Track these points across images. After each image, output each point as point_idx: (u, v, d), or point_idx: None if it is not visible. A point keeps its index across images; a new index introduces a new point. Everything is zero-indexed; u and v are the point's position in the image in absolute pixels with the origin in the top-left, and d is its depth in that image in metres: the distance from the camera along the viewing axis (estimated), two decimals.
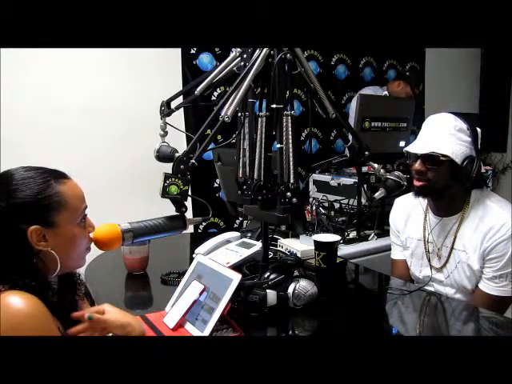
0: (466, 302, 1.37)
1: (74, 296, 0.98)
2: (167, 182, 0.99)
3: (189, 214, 1.07)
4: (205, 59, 2.67)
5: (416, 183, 1.40)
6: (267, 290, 1.16)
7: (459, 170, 1.32)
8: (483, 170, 1.40)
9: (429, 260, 1.47)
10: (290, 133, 1.10)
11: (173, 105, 1.38)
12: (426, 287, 1.46)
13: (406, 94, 2.95)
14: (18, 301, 0.77)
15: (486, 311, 1.25)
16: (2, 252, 0.83)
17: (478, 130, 1.37)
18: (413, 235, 1.52)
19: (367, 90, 3.06)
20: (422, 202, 1.51)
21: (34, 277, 0.83)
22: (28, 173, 0.86)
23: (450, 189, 1.38)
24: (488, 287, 1.34)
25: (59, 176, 0.89)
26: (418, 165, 1.37)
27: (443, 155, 1.32)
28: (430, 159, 1.35)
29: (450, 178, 1.35)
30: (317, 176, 2.29)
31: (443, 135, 1.34)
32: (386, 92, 3.04)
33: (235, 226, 2.75)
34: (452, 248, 1.40)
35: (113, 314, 0.92)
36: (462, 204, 1.40)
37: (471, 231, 1.36)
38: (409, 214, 1.55)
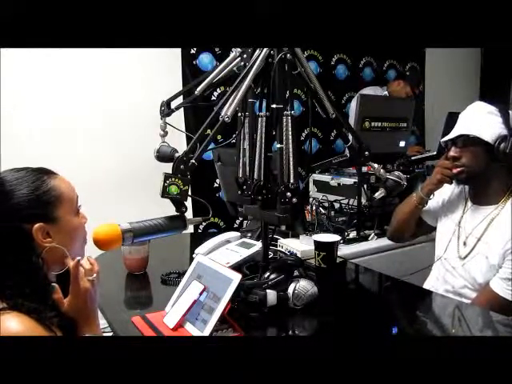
0: (468, 303, 1.36)
1: None
2: (167, 182, 0.99)
3: (189, 214, 1.07)
4: (205, 59, 2.67)
5: (453, 170, 1.41)
6: (267, 290, 1.15)
7: (493, 150, 1.32)
8: None
9: (453, 244, 1.45)
10: (290, 133, 1.10)
11: (173, 105, 1.38)
12: (436, 280, 1.46)
13: (406, 94, 2.95)
14: (15, 326, 0.76)
15: (492, 314, 1.23)
16: (6, 257, 0.82)
17: None
18: (449, 214, 1.52)
19: (367, 90, 3.06)
20: (466, 187, 1.50)
21: (36, 283, 0.83)
22: (19, 173, 0.86)
23: (488, 173, 1.37)
24: (498, 287, 1.31)
25: (49, 172, 0.90)
26: (451, 151, 1.39)
27: (471, 136, 1.33)
28: (461, 144, 1.36)
29: (486, 159, 1.35)
30: (317, 176, 2.29)
31: (471, 118, 1.37)
32: (386, 92, 3.04)
33: (235, 225, 2.75)
34: (479, 239, 1.38)
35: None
36: (501, 196, 1.39)
37: (503, 226, 1.34)
38: (454, 193, 1.54)
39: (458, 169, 1.39)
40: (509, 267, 1.30)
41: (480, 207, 1.42)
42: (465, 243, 1.42)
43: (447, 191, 1.56)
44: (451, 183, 1.48)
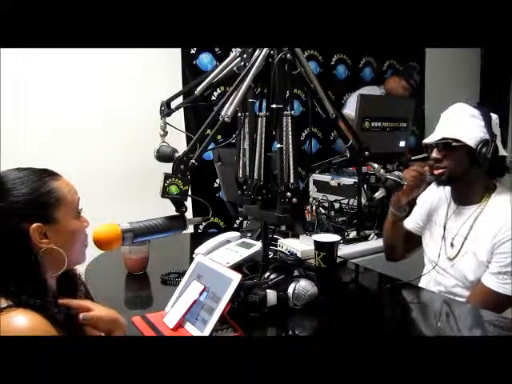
0: (466, 302, 1.36)
1: (74, 297, 0.97)
2: (167, 182, 0.99)
3: (189, 214, 1.07)
4: (205, 59, 2.67)
5: (435, 172, 1.42)
6: (267, 290, 1.15)
7: (475, 155, 1.33)
8: (504, 153, 1.38)
9: (440, 247, 1.46)
10: (290, 133, 1.11)
11: (173, 105, 1.38)
12: (428, 283, 1.47)
13: (402, 88, 2.94)
14: (23, 321, 0.76)
15: (487, 314, 1.23)
16: (4, 255, 0.82)
17: (494, 115, 1.38)
18: (434, 219, 1.53)
19: (365, 90, 3.05)
20: (448, 190, 1.51)
21: (37, 281, 0.83)
22: (21, 172, 0.86)
23: (470, 175, 1.38)
24: (491, 282, 1.32)
25: (52, 173, 0.90)
26: (434, 153, 1.40)
27: (454, 140, 1.33)
28: (443, 146, 1.37)
29: (467, 163, 1.35)
30: (317, 176, 2.29)
31: (454, 121, 1.37)
32: (383, 91, 3.04)
33: (235, 225, 2.75)
34: (466, 238, 1.39)
35: (99, 309, 0.92)
36: (482, 195, 1.40)
37: (487, 223, 1.35)
38: (436, 197, 1.56)
39: (440, 170, 1.39)
40: (498, 261, 1.31)
41: (463, 207, 1.43)
42: (452, 244, 1.43)
43: (428, 199, 1.58)
44: (422, 188, 1.51)
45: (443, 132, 1.37)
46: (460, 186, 1.42)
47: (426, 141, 1.42)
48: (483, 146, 1.32)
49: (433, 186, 1.59)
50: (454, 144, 1.34)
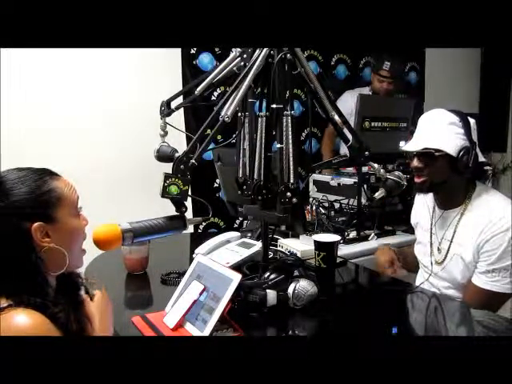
0: (463, 302, 1.37)
1: (74, 297, 0.97)
2: (167, 181, 0.99)
3: (189, 214, 1.07)
4: (205, 59, 2.67)
5: (416, 180, 1.42)
6: (267, 290, 1.16)
7: (457, 163, 1.33)
8: (483, 160, 1.39)
9: (431, 252, 1.48)
10: (290, 133, 1.11)
11: (173, 105, 1.38)
12: (421, 280, 1.48)
13: (378, 82, 2.80)
14: (25, 320, 0.76)
15: (485, 313, 1.24)
16: (5, 255, 0.82)
17: (471, 120, 1.38)
18: (421, 225, 1.55)
19: (353, 93, 3.01)
20: (430, 196, 1.52)
21: (38, 280, 0.83)
22: (21, 172, 0.86)
23: (450, 182, 1.39)
24: (480, 281, 1.33)
25: (52, 173, 0.90)
26: (415, 162, 1.40)
27: (436, 150, 1.34)
28: (425, 156, 1.37)
29: (449, 171, 1.36)
30: (317, 176, 2.29)
31: (435, 130, 1.37)
32: (369, 92, 3.01)
33: (235, 225, 2.75)
34: (451, 241, 1.40)
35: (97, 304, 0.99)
36: (463, 197, 1.41)
37: (470, 224, 1.36)
38: (419, 204, 1.58)
39: (422, 179, 1.40)
40: (484, 260, 1.32)
41: (447, 211, 1.44)
42: (439, 249, 1.45)
43: (414, 209, 1.61)
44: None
45: (424, 142, 1.36)
46: (442, 192, 1.44)
47: (407, 149, 1.42)
48: (464, 155, 1.32)
49: (416, 195, 1.61)
50: (436, 154, 1.34)
